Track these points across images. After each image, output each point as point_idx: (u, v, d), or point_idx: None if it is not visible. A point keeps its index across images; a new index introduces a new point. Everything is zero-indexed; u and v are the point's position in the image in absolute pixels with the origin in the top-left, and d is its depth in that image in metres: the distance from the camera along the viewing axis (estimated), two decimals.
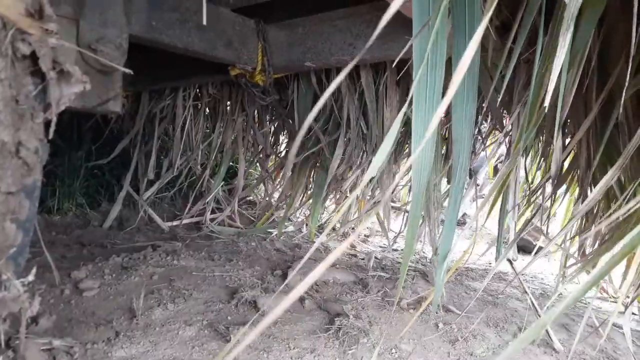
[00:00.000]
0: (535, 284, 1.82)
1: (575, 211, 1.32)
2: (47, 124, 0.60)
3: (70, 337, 1.01)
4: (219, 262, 1.61)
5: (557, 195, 1.60)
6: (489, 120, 1.91)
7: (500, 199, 1.34)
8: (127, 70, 0.70)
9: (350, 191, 2.19)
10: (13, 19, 0.49)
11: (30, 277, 0.58)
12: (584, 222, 1.44)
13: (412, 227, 0.69)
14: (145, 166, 2.30)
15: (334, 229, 2.35)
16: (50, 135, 0.58)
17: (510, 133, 1.42)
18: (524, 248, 2.73)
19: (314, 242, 2.10)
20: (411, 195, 0.62)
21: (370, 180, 2.06)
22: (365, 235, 2.43)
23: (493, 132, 1.94)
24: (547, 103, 0.58)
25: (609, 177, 0.64)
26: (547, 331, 1.17)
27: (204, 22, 1.28)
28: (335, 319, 1.15)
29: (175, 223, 2.13)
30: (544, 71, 0.78)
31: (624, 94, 0.79)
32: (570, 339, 1.22)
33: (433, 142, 0.66)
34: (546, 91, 0.58)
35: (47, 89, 0.57)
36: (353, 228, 2.46)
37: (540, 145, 1.63)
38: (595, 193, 0.63)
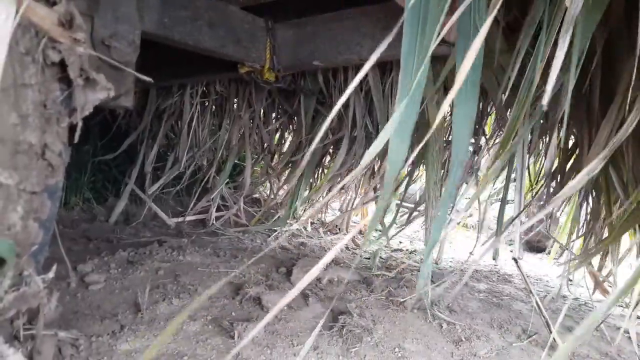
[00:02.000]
0: (540, 286, 1.81)
1: (555, 196, 1.33)
2: (71, 128, 0.61)
3: (76, 329, 1.02)
4: (224, 258, 1.62)
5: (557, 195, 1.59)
6: (493, 121, 1.91)
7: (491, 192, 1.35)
8: (145, 77, 0.71)
9: (356, 188, 2.19)
10: (46, 28, 0.50)
11: (51, 275, 0.60)
12: (587, 224, 1.44)
13: (377, 212, 0.70)
14: (151, 162, 2.32)
15: (338, 227, 2.35)
16: (76, 140, 0.60)
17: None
18: (533, 248, 2.72)
19: (320, 239, 2.11)
20: (384, 179, 0.64)
21: (373, 177, 2.07)
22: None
23: (498, 132, 1.94)
24: (545, 102, 0.58)
25: (592, 167, 0.65)
26: (551, 333, 1.17)
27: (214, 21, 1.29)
28: (339, 317, 1.16)
29: (180, 219, 2.15)
30: (535, 69, 0.79)
31: (630, 94, 0.79)
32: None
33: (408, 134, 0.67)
34: (544, 91, 0.59)
35: (73, 95, 0.59)
36: (360, 230, 2.46)
37: (542, 146, 1.63)
38: (575, 182, 0.64)
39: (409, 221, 1.88)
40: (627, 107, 0.90)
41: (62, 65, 0.55)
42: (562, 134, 1.28)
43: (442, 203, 0.80)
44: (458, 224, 2.96)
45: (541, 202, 1.83)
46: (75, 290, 1.24)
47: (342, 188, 2.28)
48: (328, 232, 2.25)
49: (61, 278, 1.27)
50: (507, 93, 1.43)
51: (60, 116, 0.56)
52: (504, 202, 1.42)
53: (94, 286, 1.26)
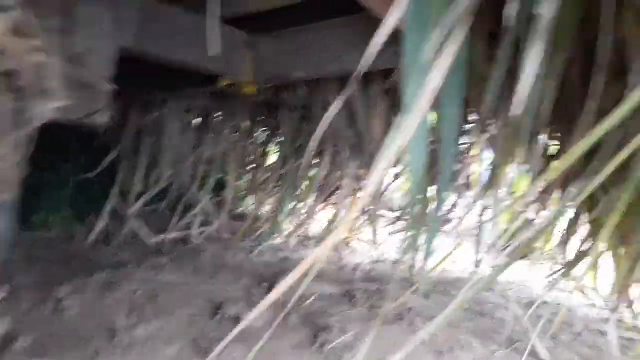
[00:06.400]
0: (524, 293, 1.82)
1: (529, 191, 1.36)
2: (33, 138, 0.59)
3: (49, 356, 0.98)
4: (204, 277, 1.59)
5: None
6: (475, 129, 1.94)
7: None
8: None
9: (340, 200, 2.19)
10: None
11: (2, 294, 0.57)
12: (568, 231, 1.46)
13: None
14: (138, 179, 2.28)
15: (322, 239, 2.34)
16: (31, 150, 0.58)
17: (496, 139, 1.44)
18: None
19: (304, 252, 2.09)
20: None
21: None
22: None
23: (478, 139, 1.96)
24: (517, 112, 0.60)
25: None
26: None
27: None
28: (320, 334, 1.14)
29: (161, 237, 2.11)
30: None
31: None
32: (556, 347, 1.22)
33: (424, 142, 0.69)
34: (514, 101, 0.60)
35: (27, 105, 0.57)
36: (347, 240, 2.45)
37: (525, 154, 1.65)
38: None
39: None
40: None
41: (15, 74, 0.53)
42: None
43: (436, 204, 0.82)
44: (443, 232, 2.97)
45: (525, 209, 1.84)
46: (50, 315, 1.20)
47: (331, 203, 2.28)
48: (313, 246, 2.24)
49: (37, 302, 1.23)
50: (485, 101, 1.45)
51: (13, 127, 0.54)
52: (484, 208, 1.44)
53: (70, 311, 1.22)
